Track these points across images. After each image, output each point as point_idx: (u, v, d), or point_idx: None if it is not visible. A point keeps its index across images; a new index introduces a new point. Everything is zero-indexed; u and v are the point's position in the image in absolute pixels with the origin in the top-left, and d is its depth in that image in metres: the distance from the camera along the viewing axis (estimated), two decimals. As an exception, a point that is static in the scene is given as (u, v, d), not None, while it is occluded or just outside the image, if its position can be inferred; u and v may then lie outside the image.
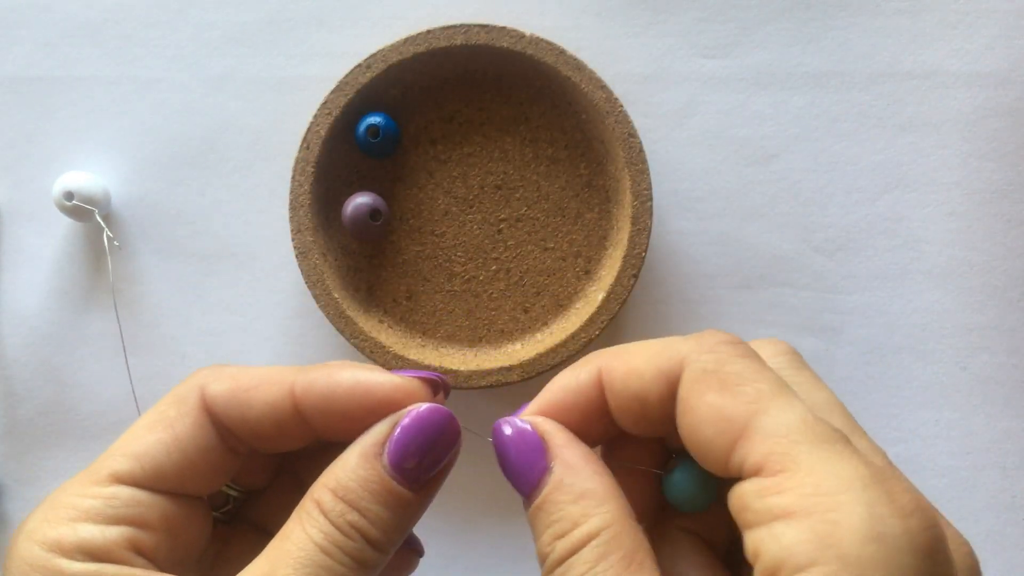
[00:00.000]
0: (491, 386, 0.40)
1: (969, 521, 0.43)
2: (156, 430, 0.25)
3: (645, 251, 0.40)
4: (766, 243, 0.43)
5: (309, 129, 0.40)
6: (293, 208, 0.40)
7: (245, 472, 0.29)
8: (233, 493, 0.29)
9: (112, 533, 0.23)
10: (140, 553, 0.24)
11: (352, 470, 0.24)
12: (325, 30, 0.43)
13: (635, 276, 0.40)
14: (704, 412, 0.22)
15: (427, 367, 0.40)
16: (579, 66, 0.40)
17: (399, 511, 0.24)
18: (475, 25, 0.40)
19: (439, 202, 0.42)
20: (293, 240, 0.40)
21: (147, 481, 0.24)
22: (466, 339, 0.42)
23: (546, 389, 0.25)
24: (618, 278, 0.40)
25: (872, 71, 0.43)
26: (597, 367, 0.24)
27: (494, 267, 0.42)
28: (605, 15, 0.43)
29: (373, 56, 0.40)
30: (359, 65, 0.40)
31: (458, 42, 0.40)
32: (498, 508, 0.44)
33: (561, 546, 0.22)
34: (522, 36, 0.40)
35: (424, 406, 0.24)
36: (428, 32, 0.40)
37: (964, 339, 0.43)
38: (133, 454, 0.24)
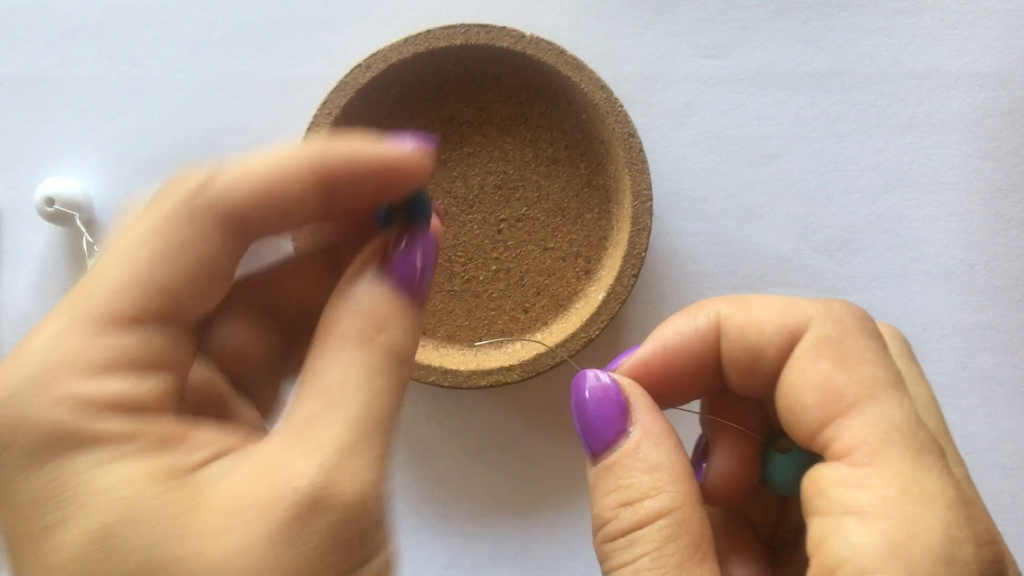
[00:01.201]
0: (491, 386, 0.40)
1: (969, 521, 0.43)
2: (171, 255, 0.20)
3: (645, 251, 0.40)
4: (766, 243, 0.43)
5: (309, 129, 0.40)
6: (293, 208, 0.40)
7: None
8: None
9: (150, 384, 0.19)
10: (182, 402, 0.20)
11: (368, 294, 0.22)
12: (325, 30, 0.43)
13: (635, 276, 0.40)
14: (813, 377, 0.21)
15: (426, 366, 0.40)
16: (579, 66, 0.40)
17: (416, 323, 0.23)
18: (475, 25, 0.40)
19: (439, 202, 0.42)
20: (293, 240, 0.40)
21: (170, 317, 0.20)
22: (466, 339, 0.42)
23: (656, 335, 0.24)
24: (618, 278, 0.40)
25: (872, 71, 0.43)
26: (716, 312, 0.23)
27: (494, 267, 0.42)
28: (605, 15, 0.43)
29: (373, 56, 0.40)
30: (359, 65, 0.40)
31: (458, 42, 0.40)
32: (498, 509, 0.44)
33: (627, 515, 0.21)
34: (522, 36, 0.40)
35: (414, 226, 0.23)
36: (428, 32, 0.40)
37: (964, 339, 0.43)
38: (155, 287, 0.20)
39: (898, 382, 0.21)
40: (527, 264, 0.42)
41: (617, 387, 0.23)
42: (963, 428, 0.43)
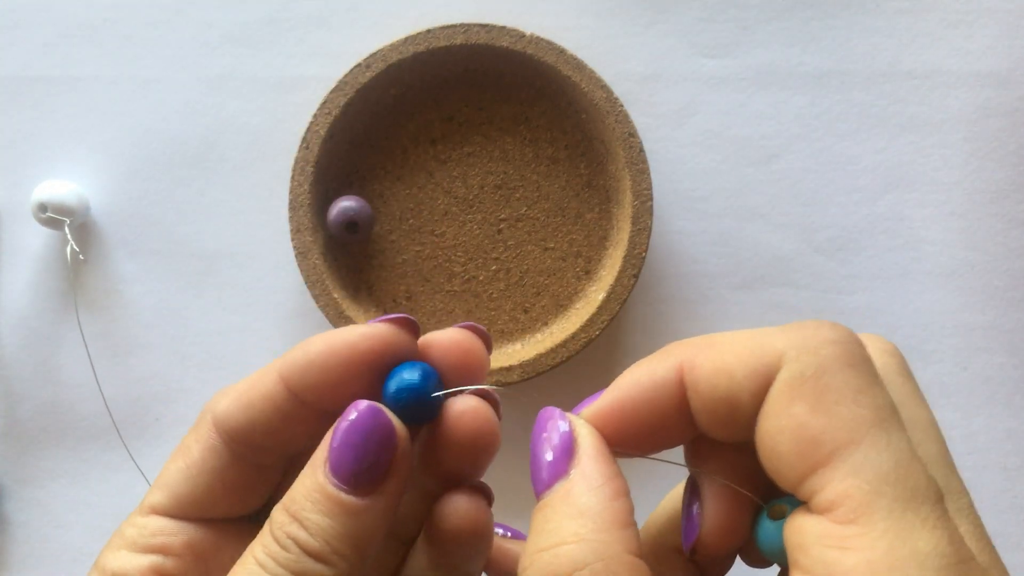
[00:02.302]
0: (491, 386, 0.40)
1: (970, 521, 0.43)
2: (177, 459, 0.25)
3: (645, 251, 0.40)
4: (766, 243, 0.43)
5: (309, 129, 0.40)
6: (293, 208, 0.40)
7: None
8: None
9: (139, 561, 0.24)
10: None
11: (299, 482, 0.23)
12: (325, 30, 0.43)
13: (635, 276, 0.40)
14: (787, 424, 0.19)
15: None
16: (579, 66, 0.40)
17: (343, 519, 0.22)
18: (475, 25, 0.40)
19: (439, 202, 0.42)
20: (293, 240, 0.40)
21: (173, 510, 0.25)
22: (466, 339, 0.42)
23: (616, 383, 0.23)
24: (618, 278, 0.40)
25: (873, 71, 0.43)
26: (678, 361, 0.21)
27: (494, 267, 0.42)
28: (605, 15, 0.43)
29: (373, 56, 0.40)
30: (359, 65, 0.40)
31: (458, 42, 0.40)
32: (498, 509, 0.44)
33: (542, 562, 0.20)
34: (522, 36, 0.40)
35: (360, 407, 0.23)
36: (428, 32, 0.40)
37: (965, 339, 0.43)
38: (162, 484, 0.25)
39: (885, 418, 0.19)
40: (527, 264, 0.42)
41: (568, 430, 0.22)
42: (963, 428, 0.43)
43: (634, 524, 0.21)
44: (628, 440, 0.22)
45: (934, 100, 0.43)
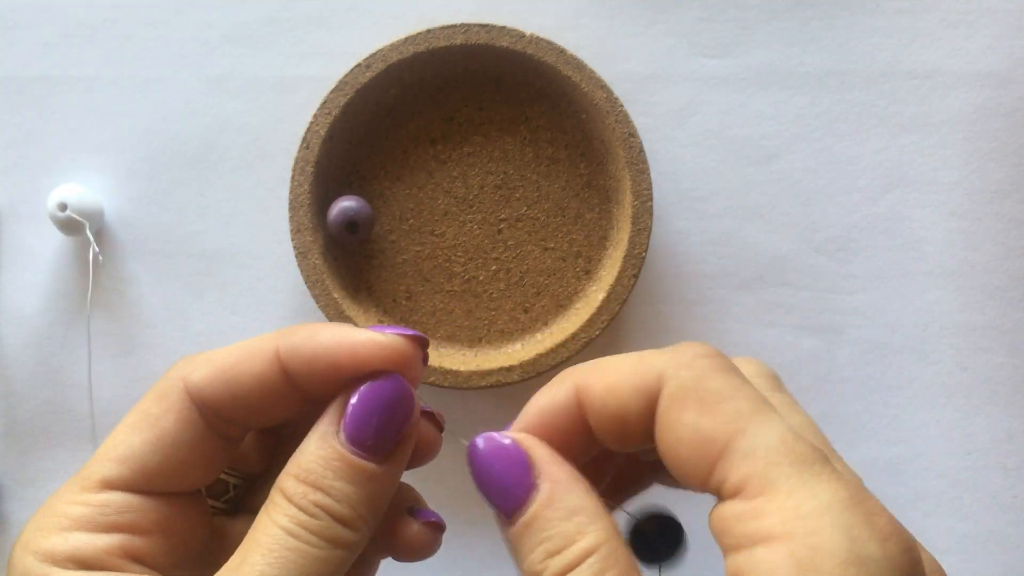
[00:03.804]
0: (491, 386, 0.40)
1: (969, 521, 0.43)
2: (141, 430, 0.24)
3: (645, 251, 0.40)
4: (766, 243, 0.43)
5: (309, 129, 0.40)
6: (293, 208, 0.40)
7: (241, 457, 0.29)
8: (233, 480, 0.29)
9: (103, 541, 0.23)
10: (135, 559, 0.23)
11: (312, 452, 0.23)
12: (325, 30, 0.43)
13: (635, 276, 0.40)
14: (682, 432, 0.21)
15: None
16: (579, 66, 0.40)
17: (365, 485, 0.23)
18: (475, 25, 0.40)
19: (439, 202, 0.42)
20: (293, 240, 0.40)
21: (137, 484, 0.24)
22: (466, 339, 0.42)
23: (524, 411, 0.25)
24: (618, 278, 0.40)
25: (873, 71, 0.43)
26: (573, 385, 0.24)
27: (494, 267, 0.42)
28: (605, 15, 0.43)
29: (373, 56, 0.40)
30: (359, 65, 0.40)
31: (458, 42, 0.40)
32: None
33: (556, 564, 0.22)
34: (522, 36, 0.40)
35: (378, 378, 0.24)
36: (428, 32, 0.40)
37: (965, 339, 0.43)
38: (120, 457, 0.24)
39: (760, 407, 0.21)
40: (527, 264, 0.42)
41: (516, 445, 0.23)
42: (963, 428, 0.43)
43: (605, 508, 0.23)
44: None
45: (934, 100, 0.43)
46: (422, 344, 0.25)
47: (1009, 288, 0.43)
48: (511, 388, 0.41)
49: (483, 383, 0.40)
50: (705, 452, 0.21)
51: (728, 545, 0.20)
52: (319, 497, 0.23)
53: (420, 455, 0.27)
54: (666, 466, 0.22)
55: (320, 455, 0.23)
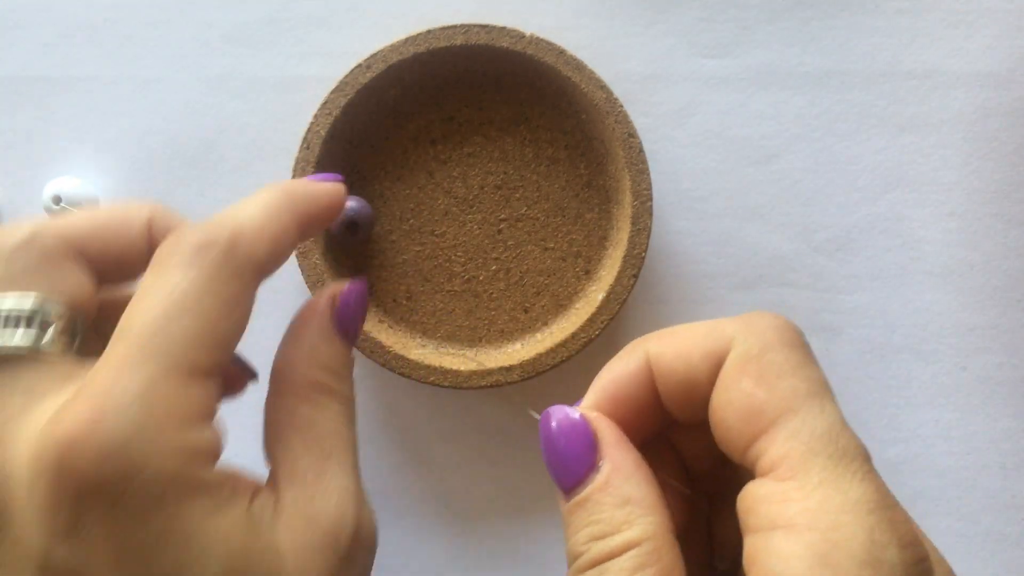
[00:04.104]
0: (491, 386, 0.40)
1: (969, 521, 0.43)
2: (232, 313, 0.24)
3: (645, 251, 0.40)
4: (766, 243, 0.43)
5: (309, 129, 0.40)
6: (293, 208, 0.40)
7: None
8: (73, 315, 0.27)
9: (219, 433, 0.23)
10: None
11: (326, 350, 0.27)
12: (325, 30, 0.43)
13: (635, 276, 0.40)
14: (735, 397, 0.21)
15: (428, 366, 0.40)
16: (579, 66, 0.40)
17: (352, 365, 0.28)
18: (475, 25, 0.40)
19: (439, 202, 0.42)
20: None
21: (216, 370, 0.23)
22: (466, 339, 0.42)
23: (597, 382, 0.25)
24: (618, 278, 0.40)
25: (872, 71, 0.43)
26: (645, 352, 0.24)
27: (494, 267, 0.42)
28: (605, 15, 0.43)
29: (373, 56, 0.40)
30: (359, 65, 0.40)
31: (458, 42, 0.40)
32: (498, 509, 0.44)
33: (598, 548, 0.22)
34: (522, 36, 0.40)
35: (352, 282, 0.29)
36: (428, 32, 0.40)
37: (964, 339, 0.43)
38: (213, 342, 0.23)
39: (818, 390, 0.21)
40: (527, 264, 0.42)
41: (585, 422, 0.23)
42: (962, 428, 0.43)
43: (665, 505, 0.22)
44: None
45: (934, 100, 0.43)
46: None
47: (1008, 288, 0.43)
48: (511, 388, 0.41)
49: (483, 383, 0.40)
50: (752, 422, 0.21)
51: (749, 525, 0.20)
52: (346, 389, 0.27)
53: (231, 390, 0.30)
54: (711, 427, 0.22)
55: (334, 352, 0.27)
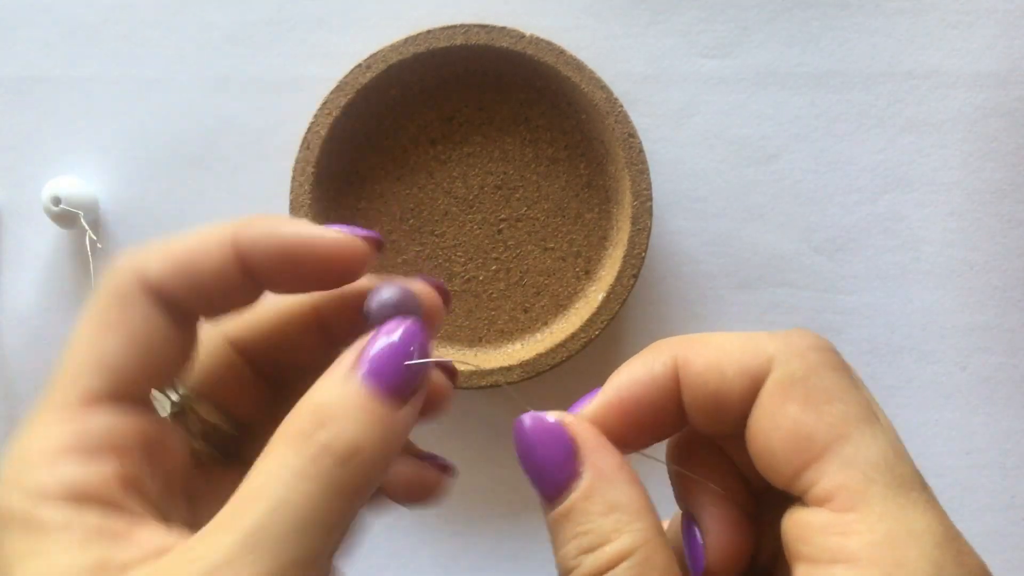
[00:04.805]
0: (491, 386, 0.40)
1: (969, 521, 0.43)
2: (110, 334, 0.21)
3: (645, 251, 0.40)
4: (766, 243, 0.43)
5: (309, 130, 0.40)
6: (293, 208, 0.40)
7: (238, 404, 0.26)
8: (229, 430, 0.26)
9: (97, 468, 0.20)
10: (134, 488, 0.21)
11: (329, 389, 0.21)
12: (325, 30, 0.43)
13: (635, 276, 0.40)
14: (782, 423, 0.20)
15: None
16: (579, 66, 0.40)
17: (380, 428, 0.21)
18: (475, 25, 0.40)
19: (439, 202, 0.42)
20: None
21: (120, 394, 0.21)
22: (466, 339, 0.42)
23: (614, 378, 0.23)
24: (618, 278, 0.40)
25: (872, 71, 0.43)
26: (673, 357, 0.22)
27: (494, 267, 0.42)
28: (605, 15, 0.43)
29: (373, 56, 0.40)
30: (359, 65, 0.40)
31: (458, 42, 0.40)
32: (498, 509, 0.44)
33: (590, 562, 0.21)
34: (522, 36, 0.40)
35: (407, 324, 0.22)
36: (428, 32, 0.40)
37: (964, 339, 0.43)
38: (98, 365, 0.21)
39: (869, 415, 0.20)
40: (527, 264, 0.42)
41: (562, 428, 0.22)
42: (962, 428, 0.43)
43: (653, 506, 0.21)
44: (624, 436, 0.23)
45: (934, 100, 0.43)
46: (376, 245, 0.24)
47: (1008, 288, 0.43)
48: (511, 388, 0.41)
49: (483, 383, 0.40)
50: (801, 449, 0.20)
51: (803, 554, 0.19)
52: (332, 437, 0.20)
53: (433, 406, 0.25)
54: (751, 453, 0.21)
55: (338, 392, 0.21)
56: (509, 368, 0.40)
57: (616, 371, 0.23)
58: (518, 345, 0.42)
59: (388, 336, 0.22)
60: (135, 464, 0.21)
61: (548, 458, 0.22)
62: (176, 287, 0.22)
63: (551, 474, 0.22)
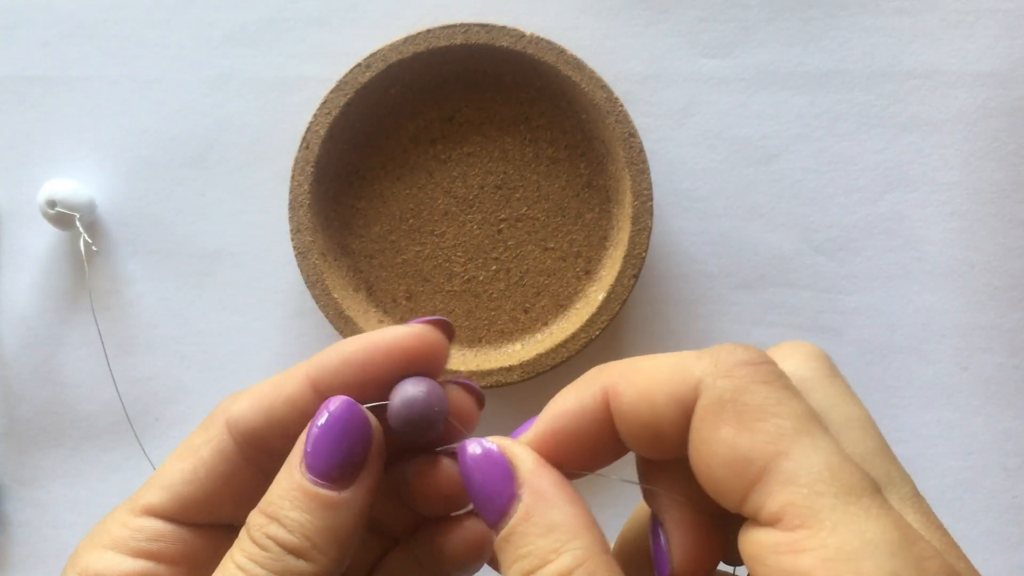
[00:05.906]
0: (491, 386, 0.40)
1: (969, 521, 0.43)
2: (183, 459, 0.24)
3: (645, 251, 0.40)
4: (766, 243, 0.43)
5: (309, 129, 0.40)
6: (293, 208, 0.40)
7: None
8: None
9: (128, 565, 0.23)
10: None
11: (275, 484, 0.23)
12: (325, 30, 0.43)
13: (635, 276, 0.40)
14: (718, 449, 0.20)
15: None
16: (579, 66, 0.40)
17: (323, 513, 0.22)
18: (475, 25, 0.40)
19: (439, 202, 0.42)
20: (293, 240, 0.40)
21: (174, 513, 0.24)
22: (466, 339, 0.42)
23: (546, 413, 0.23)
24: (618, 278, 0.40)
25: (872, 71, 0.43)
26: (602, 387, 0.22)
27: (494, 267, 0.42)
28: (605, 15, 0.43)
29: (373, 56, 0.40)
30: (359, 65, 0.40)
31: (458, 42, 0.40)
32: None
33: None
34: (522, 36, 0.40)
35: (335, 403, 0.23)
36: (428, 32, 0.40)
37: (965, 339, 0.43)
38: (163, 485, 0.24)
39: (807, 426, 0.20)
40: (527, 264, 0.42)
41: (499, 452, 0.22)
42: (963, 428, 0.43)
43: (595, 522, 0.21)
44: (566, 462, 0.23)
45: (934, 100, 0.43)
46: (444, 328, 0.24)
47: (1009, 288, 0.43)
48: (511, 388, 0.41)
49: (483, 383, 0.40)
50: (741, 473, 0.19)
51: (760, 574, 0.19)
52: (272, 529, 0.22)
53: (464, 425, 0.26)
54: (701, 484, 0.21)
55: (280, 486, 0.23)
56: (509, 368, 0.40)
57: (551, 401, 0.23)
58: (518, 345, 0.42)
59: (316, 422, 0.23)
60: (172, 570, 0.24)
61: (487, 483, 0.22)
62: (255, 423, 0.24)
63: (491, 499, 0.22)
